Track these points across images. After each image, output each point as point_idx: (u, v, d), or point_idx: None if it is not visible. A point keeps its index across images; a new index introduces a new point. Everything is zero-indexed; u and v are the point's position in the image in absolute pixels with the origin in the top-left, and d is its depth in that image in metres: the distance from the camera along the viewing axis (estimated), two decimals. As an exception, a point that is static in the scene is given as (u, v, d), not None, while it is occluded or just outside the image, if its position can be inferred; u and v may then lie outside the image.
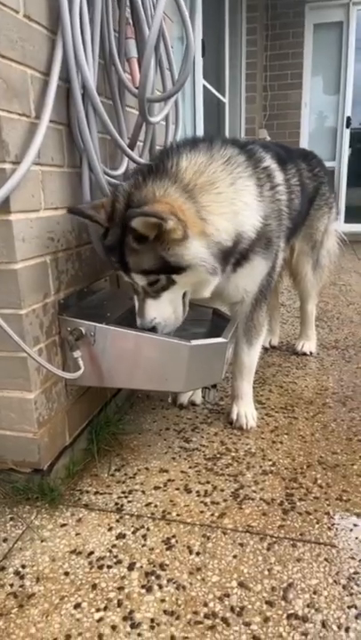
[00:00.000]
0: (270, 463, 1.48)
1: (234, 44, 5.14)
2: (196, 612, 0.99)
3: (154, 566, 1.10)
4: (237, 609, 0.99)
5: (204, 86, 3.97)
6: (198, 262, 1.24)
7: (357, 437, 1.61)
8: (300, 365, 2.25)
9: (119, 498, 1.33)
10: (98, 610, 0.99)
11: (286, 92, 5.92)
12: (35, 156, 1.11)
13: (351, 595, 1.02)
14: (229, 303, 1.64)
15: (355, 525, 1.21)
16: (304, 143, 6.06)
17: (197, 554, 1.13)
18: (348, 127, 6.05)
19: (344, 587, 1.04)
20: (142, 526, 1.22)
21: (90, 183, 1.38)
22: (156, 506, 1.30)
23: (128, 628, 0.95)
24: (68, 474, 1.41)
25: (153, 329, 1.31)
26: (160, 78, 1.65)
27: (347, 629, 0.94)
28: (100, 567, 1.10)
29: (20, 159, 1.09)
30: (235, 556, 1.12)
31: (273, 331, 2.49)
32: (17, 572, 1.09)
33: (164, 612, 0.99)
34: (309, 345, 2.39)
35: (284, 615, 0.97)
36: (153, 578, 1.07)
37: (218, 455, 1.53)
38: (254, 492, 1.35)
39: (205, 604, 1.00)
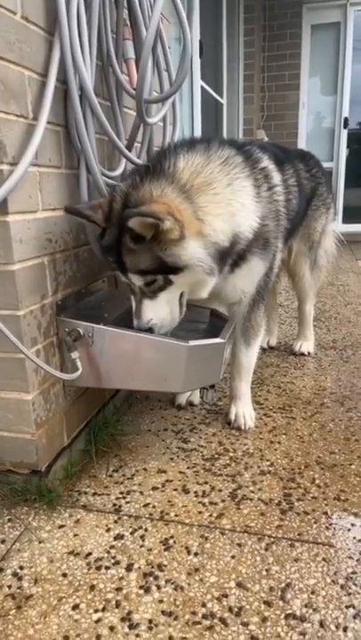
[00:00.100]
0: (268, 463, 1.48)
1: (231, 44, 5.15)
2: (194, 613, 0.99)
3: (152, 567, 1.10)
4: (235, 609, 0.99)
5: (202, 87, 3.98)
6: (195, 262, 1.24)
7: (355, 437, 1.62)
8: (298, 366, 2.25)
9: (117, 499, 1.33)
10: (96, 611, 0.99)
11: (284, 93, 5.93)
12: (32, 157, 1.11)
13: (349, 594, 1.02)
14: (227, 304, 1.65)
15: (352, 525, 1.22)
16: (302, 144, 6.07)
17: (195, 554, 1.13)
18: (345, 128, 6.06)
19: (342, 586, 1.04)
20: (140, 527, 1.22)
21: (88, 184, 1.38)
22: (154, 506, 1.30)
23: (126, 629, 0.95)
24: (66, 475, 1.41)
25: (150, 330, 1.31)
26: (158, 79, 1.65)
27: (345, 629, 0.94)
28: (98, 568, 1.10)
29: (18, 160, 1.09)
30: (233, 557, 1.13)
31: (271, 331, 2.49)
32: (15, 574, 1.09)
33: (163, 612, 0.99)
34: (307, 345, 2.39)
35: (282, 615, 0.98)
36: (151, 578, 1.07)
37: (216, 456, 1.53)
38: (252, 492, 1.35)
39: (204, 605, 1.00)
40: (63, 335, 1.33)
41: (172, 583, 1.06)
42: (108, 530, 1.22)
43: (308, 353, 2.37)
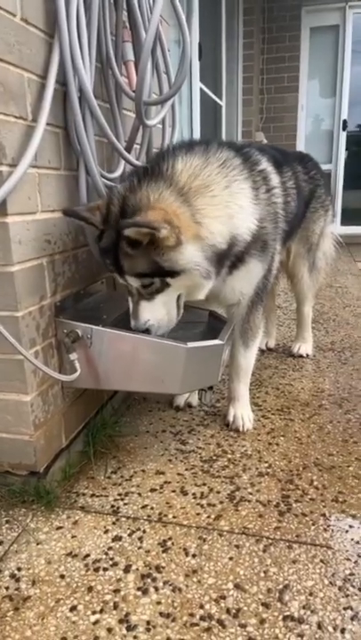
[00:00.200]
0: (266, 465, 1.48)
1: (231, 47, 5.16)
2: (192, 615, 0.99)
3: (150, 568, 1.10)
4: (233, 611, 0.99)
5: (201, 89, 3.98)
6: (192, 267, 1.24)
7: (353, 439, 1.62)
8: (297, 367, 2.25)
9: (115, 500, 1.33)
10: (94, 612, 0.99)
11: (283, 95, 5.94)
12: (31, 158, 1.11)
13: (347, 596, 1.02)
14: (226, 305, 1.65)
15: (350, 527, 1.22)
16: (301, 146, 6.08)
17: (193, 556, 1.13)
18: (344, 130, 6.07)
19: (340, 588, 1.04)
20: (138, 529, 1.22)
21: (87, 186, 1.38)
22: (152, 508, 1.30)
23: (124, 631, 0.95)
24: (65, 476, 1.40)
25: (146, 331, 1.31)
26: (157, 81, 1.66)
27: (343, 631, 0.94)
28: (96, 570, 1.10)
29: (17, 162, 1.09)
30: (231, 558, 1.13)
31: (269, 333, 2.49)
32: (13, 575, 1.09)
33: (160, 614, 0.99)
34: (306, 347, 2.39)
35: (280, 617, 0.98)
36: (149, 580, 1.07)
37: (214, 457, 1.53)
38: (250, 493, 1.35)
39: (201, 606, 1.00)
40: (62, 336, 1.33)
41: (170, 585, 1.06)
42: (106, 531, 1.22)
43: (307, 355, 2.37)
